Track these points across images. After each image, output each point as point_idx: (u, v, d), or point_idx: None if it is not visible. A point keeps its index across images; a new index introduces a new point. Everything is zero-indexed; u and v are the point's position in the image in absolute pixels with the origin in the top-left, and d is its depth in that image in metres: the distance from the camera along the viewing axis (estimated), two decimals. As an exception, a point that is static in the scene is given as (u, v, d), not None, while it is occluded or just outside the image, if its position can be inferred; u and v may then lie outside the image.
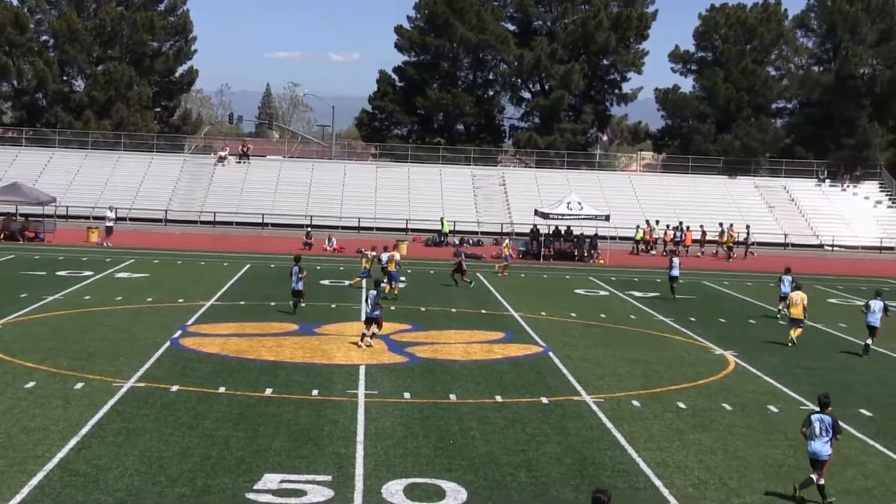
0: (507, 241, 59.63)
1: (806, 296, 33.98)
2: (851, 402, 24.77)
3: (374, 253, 43.91)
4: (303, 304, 35.94)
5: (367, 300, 30.29)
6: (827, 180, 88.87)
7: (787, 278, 39.19)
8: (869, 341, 32.26)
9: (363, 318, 31.39)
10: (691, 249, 71.34)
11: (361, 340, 29.42)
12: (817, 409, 17.86)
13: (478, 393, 24.02)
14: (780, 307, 39.23)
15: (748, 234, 72.44)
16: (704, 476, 18.38)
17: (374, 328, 29.68)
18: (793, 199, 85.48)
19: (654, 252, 70.29)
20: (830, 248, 77.83)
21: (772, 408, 23.68)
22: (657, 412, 22.79)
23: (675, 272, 44.53)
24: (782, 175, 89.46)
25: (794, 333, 33.21)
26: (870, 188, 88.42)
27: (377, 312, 29.65)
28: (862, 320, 33.13)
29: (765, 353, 31.30)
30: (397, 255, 42.29)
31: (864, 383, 27.23)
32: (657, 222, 73.27)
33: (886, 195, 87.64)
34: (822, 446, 17.30)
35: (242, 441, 19.36)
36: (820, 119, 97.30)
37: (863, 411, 23.70)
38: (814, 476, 17.26)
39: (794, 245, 78.03)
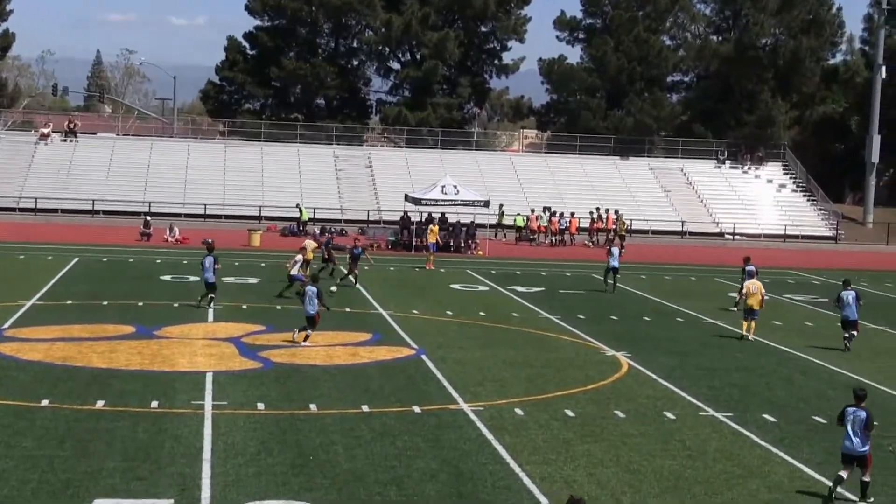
0: (431, 226, 59.23)
1: (762, 285, 35.59)
2: (754, 406, 25.34)
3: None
4: (212, 297, 36.57)
5: (303, 296, 31.37)
6: (727, 161, 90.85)
7: (751, 269, 40.11)
8: (850, 334, 33.82)
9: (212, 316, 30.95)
10: (578, 238, 72.33)
11: (305, 340, 30.64)
12: (852, 403, 18.75)
13: (341, 402, 23.95)
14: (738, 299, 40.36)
15: (617, 219, 73.09)
16: (595, 491, 18.59)
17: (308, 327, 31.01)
18: (690, 183, 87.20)
19: (535, 243, 70.86)
20: (731, 237, 79.55)
21: (668, 414, 24.09)
22: (542, 421, 23.00)
23: (615, 263, 45.78)
24: (679, 156, 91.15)
25: (749, 326, 34.87)
26: (773, 170, 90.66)
27: (312, 311, 30.66)
28: (773, 317, 33.85)
29: (660, 353, 31.83)
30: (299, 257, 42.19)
31: (768, 385, 27.89)
32: (544, 209, 73.82)
33: (790, 178, 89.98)
34: (855, 442, 18.39)
35: (69, 461, 18.96)
36: (719, 93, 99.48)
37: (766, 416, 24.26)
38: (843, 473, 18.42)
39: (692, 233, 79.58)
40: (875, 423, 18.74)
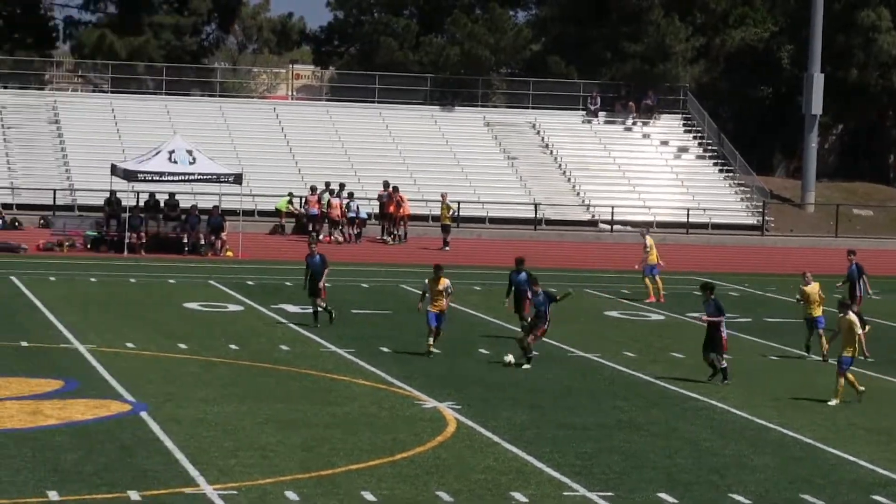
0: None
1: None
2: (644, 480, 25.63)
3: None
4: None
5: None
6: (600, 114, 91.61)
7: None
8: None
9: None
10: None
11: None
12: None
13: (16, 487, 23.54)
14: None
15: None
16: None
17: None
18: (546, 145, 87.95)
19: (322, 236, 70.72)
20: (609, 227, 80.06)
21: (518, 496, 24.19)
22: (329, 510, 23.02)
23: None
24: (529, 105, 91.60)
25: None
26: (669, 127, 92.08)
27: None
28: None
29: (505, 403, 32.06)
30: None
31: (666, 449, 28.25)
32: (327, 185, 73.34)
33: (694, 138, 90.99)
34: None
35: None
36: (587, 11, 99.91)
37: (663, 496, 24.55)
38: None
39: (551, 221, 79.84)
40: None
